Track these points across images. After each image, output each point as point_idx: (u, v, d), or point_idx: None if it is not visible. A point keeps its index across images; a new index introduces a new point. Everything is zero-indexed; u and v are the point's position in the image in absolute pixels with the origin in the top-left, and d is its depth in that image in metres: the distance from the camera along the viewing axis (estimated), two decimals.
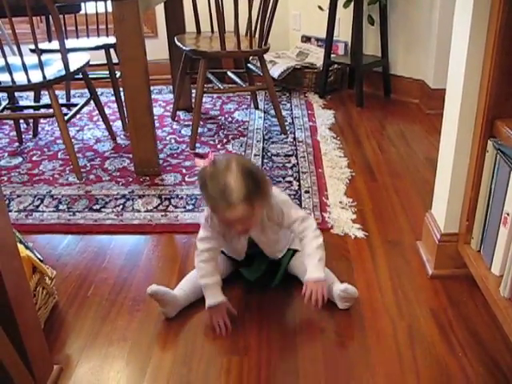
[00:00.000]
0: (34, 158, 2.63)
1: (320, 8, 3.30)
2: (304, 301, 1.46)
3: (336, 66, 3.45)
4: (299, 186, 2.25)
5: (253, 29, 2.57)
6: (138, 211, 2.11)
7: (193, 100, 2.99)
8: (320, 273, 1.46)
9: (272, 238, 1.59)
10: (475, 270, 1.47)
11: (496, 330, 1.45)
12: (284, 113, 3.07)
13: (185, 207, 2.13)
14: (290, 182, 2.28)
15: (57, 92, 2.35)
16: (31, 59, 2.32)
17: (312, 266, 1.48)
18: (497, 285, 1.35)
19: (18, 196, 2.25)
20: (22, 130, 2.93)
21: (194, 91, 2.88)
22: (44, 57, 2.38)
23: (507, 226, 1.30)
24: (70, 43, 2.89)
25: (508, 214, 1.29)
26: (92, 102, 2.71)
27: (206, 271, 1.49)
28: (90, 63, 2.57)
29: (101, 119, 2.84)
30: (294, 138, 2.76)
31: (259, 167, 1.36)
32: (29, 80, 2.22)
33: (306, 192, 2.19)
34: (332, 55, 3.35)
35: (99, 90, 3.08)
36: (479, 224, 1.49)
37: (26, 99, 3.48)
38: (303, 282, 1.49)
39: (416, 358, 1.38)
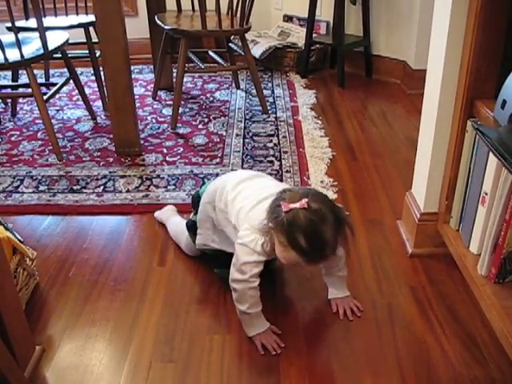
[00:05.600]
0: (13, 139, 2.59)
1: None
2: (340, 317, 1.47)
3: (318, 45, 3.43)
4: (280, 165, 2.25)
5: (234, 8, 2.55)
6: (120, 192, 2.10)
7: (174, 79, 2.96)
8: (345, 291, 1.52)
9: None
10: (454, 249, 1.49)
11: (473, 307, 1.47)
12: (265, 92, 3.06)
13: (166, 187, 2.12)
14: (271, 161, 2.28)
15: (35, 71, 2.31)
16: (8, 37, 2.27)
17: (336, 284, 1.52)
18: (474, 263, 1.37)
19: None
20: (0, 109, 2.90)
21: (175, 71, 2.85)
22: (21, 35, 2.33)
23: (485, 205, 1.32)
24: (48, 21, 2.83)
25: (486, 194, 1.31)
26: (72, 81, 2.67)
27: (256, 300, 1.38)
28: (69, 42, 2.53)
29: (81, 99, 2.80)
30: (276, 118, 2.75)
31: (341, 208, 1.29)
32: (6, 59, 2.18)
33: (287, 172, 2.20)
34: (314, 35, 3.34)
35: (79, 70, 3.04)
36: (458, 203, 1.50)
37: (3, 78, 3.42)
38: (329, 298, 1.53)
39: (395, 334, 1.40)
